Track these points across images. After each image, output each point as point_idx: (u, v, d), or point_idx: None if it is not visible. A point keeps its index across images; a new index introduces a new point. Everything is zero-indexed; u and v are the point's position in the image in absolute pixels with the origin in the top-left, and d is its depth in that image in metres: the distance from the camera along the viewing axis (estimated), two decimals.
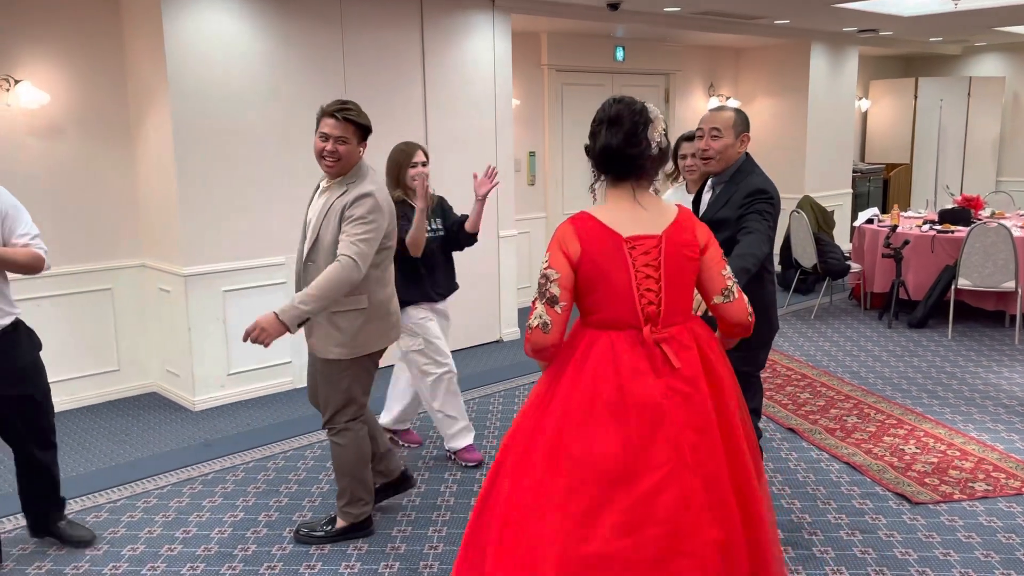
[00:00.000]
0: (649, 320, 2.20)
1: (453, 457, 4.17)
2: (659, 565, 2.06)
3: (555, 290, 2.19)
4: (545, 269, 2.22)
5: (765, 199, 3.10)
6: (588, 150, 2.31)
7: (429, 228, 3.92)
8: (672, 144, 4.07)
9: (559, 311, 2.19)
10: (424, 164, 3.93)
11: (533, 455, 2.20)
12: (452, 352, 4.10)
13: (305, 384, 5.44)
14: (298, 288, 3.26)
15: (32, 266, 3.11)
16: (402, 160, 3.91)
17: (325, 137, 3.17)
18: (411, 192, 3.90)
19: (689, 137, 3.95)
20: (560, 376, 2.24)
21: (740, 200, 3.12)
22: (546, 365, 2.33)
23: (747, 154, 3.28)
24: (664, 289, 2.20)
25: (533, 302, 2.25)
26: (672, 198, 4.17)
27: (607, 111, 2.26)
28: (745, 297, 2.34)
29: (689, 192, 4.02)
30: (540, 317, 2.20)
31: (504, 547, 2.17)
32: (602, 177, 2.31)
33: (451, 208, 4.14)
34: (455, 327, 5.69)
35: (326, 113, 3.19)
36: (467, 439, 4.13)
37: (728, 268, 2.33)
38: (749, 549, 2.22)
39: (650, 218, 2.24)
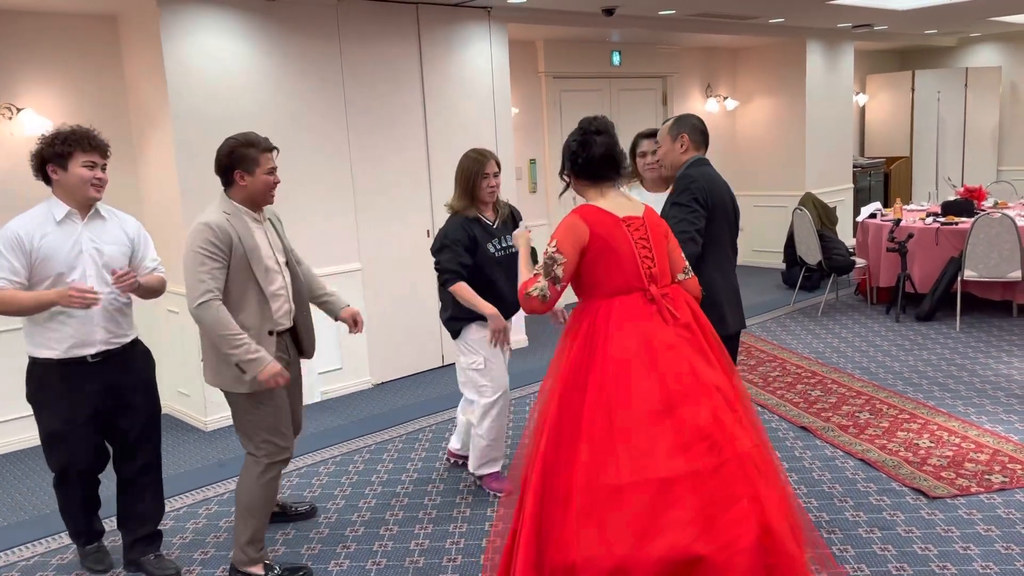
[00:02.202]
0: (652, 281, 2.60)
1: (478, 483, 4.00)
2: (713, 473, 2.38)
3: (559, 272, 2.59)
4: (553, 253, 2.59)
5: (679, 192, 3.21)
6: (576, 158, 2.66)
7: (499, 246, 3.69)
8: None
9: (558, 288, 2.61)
10: (496, 175, 3.67)
11: (583, 417, 2.46)
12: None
13: (315, 400, 5.49)
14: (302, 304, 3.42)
15: (160, 291, 3.37)
16: (475, 170, 3.65)
17: (274, 171, 3.12)
18: (484, 207, 3.71)
19: (646, 134, 3.88)
20: (583, 346, 2.55)
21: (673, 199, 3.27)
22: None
23: (700, 157, 3.35)
24: (656, 257, 2.63)
25: (535, 275, 2.62)
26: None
27: (593, 124, 2.68)
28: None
29: (648, 190, 3.90)
30: (541, 290, 2.59)
31: (584, 502, 2.39)
32: (569, 183, 2.75)
33: (522, 220, 3.82)
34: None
35: (268, 149, 3.08)
36: (495, 467, 3.93)
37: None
38: (762, 460, 2.54)
39: (631, 206, 2.70)
